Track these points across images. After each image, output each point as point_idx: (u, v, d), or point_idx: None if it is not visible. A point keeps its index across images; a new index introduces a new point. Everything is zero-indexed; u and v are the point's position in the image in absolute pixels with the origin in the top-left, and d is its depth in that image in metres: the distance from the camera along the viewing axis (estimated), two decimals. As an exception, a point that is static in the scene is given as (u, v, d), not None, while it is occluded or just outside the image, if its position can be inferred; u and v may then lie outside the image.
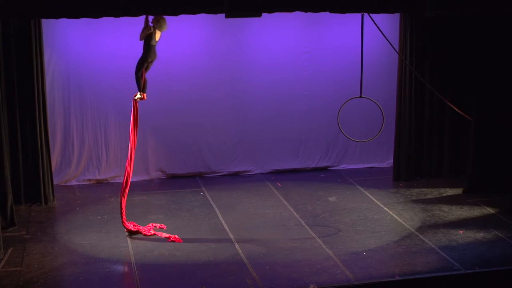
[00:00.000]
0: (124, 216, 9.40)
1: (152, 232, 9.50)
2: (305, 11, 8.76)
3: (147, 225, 9.66)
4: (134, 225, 9.54)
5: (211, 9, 8.46)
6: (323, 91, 12.30)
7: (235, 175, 12.33)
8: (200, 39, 11.80)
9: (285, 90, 12.21)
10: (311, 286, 7.86)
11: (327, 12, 8.80)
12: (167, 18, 8.98)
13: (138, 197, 11.03)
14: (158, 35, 9.14)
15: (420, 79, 11.24)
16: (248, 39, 12.01)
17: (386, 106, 11.32)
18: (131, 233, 9.45)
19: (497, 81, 10.92)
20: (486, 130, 11.06)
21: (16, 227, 9.76)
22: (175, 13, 8.50)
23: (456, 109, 10.74)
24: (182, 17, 8.74)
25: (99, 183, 11.84)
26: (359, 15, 9.46)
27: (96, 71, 11.50)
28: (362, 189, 11.43)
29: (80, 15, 8.18)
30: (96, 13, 8.20)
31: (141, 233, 9.47)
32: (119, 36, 11.27)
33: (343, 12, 9.09)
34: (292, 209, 10.52)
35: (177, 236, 9.37)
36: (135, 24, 9.43)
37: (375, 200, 10.87)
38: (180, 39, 11.55)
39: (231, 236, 9.47)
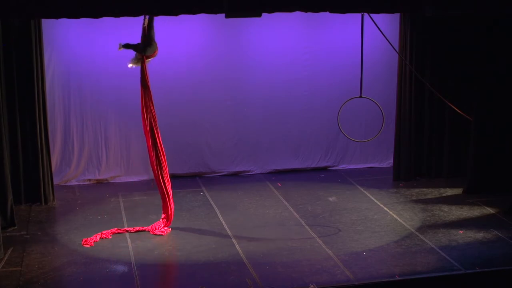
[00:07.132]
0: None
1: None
2: (305, 11, 8.76)
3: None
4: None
5: (211, 9, 8.46)
6: (323, 91, 12.29)
7: (235, 175, 12.32)
8: (200, 39, 11.79)
9: (285, 90, 12.20)
10: (311, 286, 7.87)
11: (327, 12, 8.80)
12: (167, 18, 8.98)
13: (138, 197, 11.03)
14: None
15: (420, 79, 11.24)
16: (248, 39, 12.00)
17: (386, 106, 11.33)
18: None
19: (497, 81, 10.91)
20: (486, 130, 11.05)
21: (16, 227, 9.75)
22: (175, 13, 8.50)
23: (456, 109, 10.73)
24: (182, 17, 8.74)
25: (99, 183, 11.84)
26: (359, 15, 9.46)
27: (96, 71, 11.50)
28: (362, 189, 11.42)
29: (80, 15, 8.18)
30: (96, 13, 8.21)
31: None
32: (119, 36, 11.21)
33: (343, 12, 9.10)
34: (292, 209, 10.51)
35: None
36: (135, 24, 9.44)
37: (375, 200, 10.86)
38: (180, 39, 11.55)
39: (231, 236, 9.46)
